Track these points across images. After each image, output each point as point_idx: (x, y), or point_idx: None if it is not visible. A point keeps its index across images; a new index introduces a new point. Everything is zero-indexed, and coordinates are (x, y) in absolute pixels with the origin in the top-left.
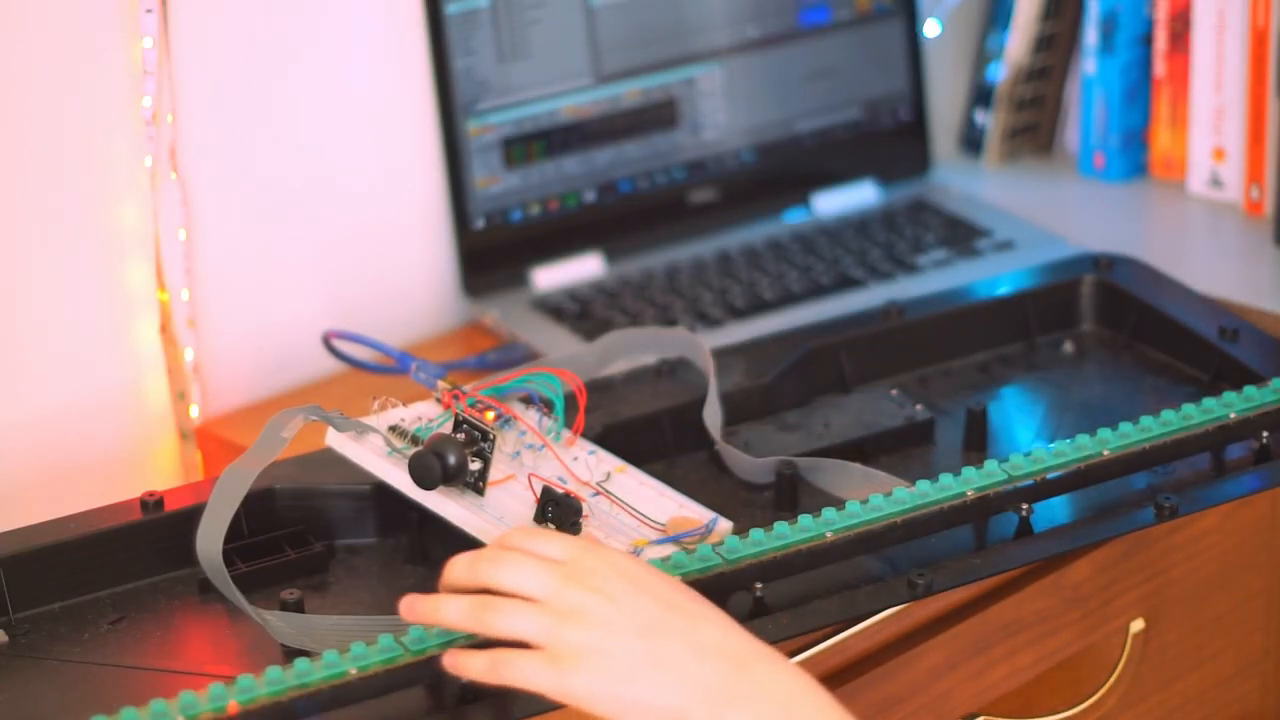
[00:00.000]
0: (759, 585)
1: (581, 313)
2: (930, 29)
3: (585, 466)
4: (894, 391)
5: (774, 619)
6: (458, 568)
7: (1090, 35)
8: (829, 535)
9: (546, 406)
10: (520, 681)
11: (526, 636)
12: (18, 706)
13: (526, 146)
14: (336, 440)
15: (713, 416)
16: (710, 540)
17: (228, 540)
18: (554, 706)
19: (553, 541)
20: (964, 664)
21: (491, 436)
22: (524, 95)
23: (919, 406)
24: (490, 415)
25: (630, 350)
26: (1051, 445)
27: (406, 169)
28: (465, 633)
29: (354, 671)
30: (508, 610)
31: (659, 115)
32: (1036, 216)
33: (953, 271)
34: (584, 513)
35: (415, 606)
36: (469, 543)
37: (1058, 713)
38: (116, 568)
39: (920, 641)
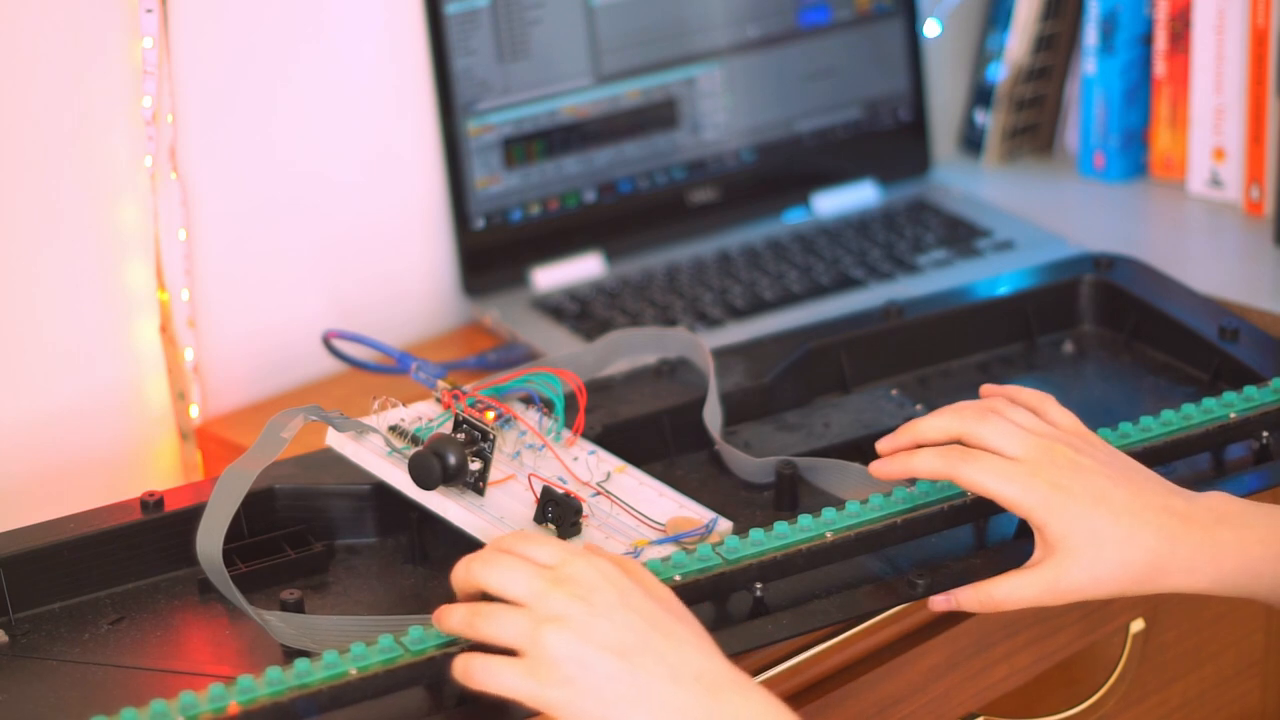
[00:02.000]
0: (759, 585)
1: (581, 313)
2: (930, 29)
3: (585, 466)
4: (894, 391)
5: (774, 619)
6: (457, 570)
7: (1090, 35)
8: (829, 535)
9: (546, 406)
10: (496, 688)
11: (508, 641)
12: (18, 707)
13: (526, 146)
14: (336, 440)
15: (713, 416)
16: (710, 540)
17: (227, 540)
18: None
19: (545, 546)
20: (964, 664)
21: (491, 437)
22: (524, 95)
23: (919, 406)
24: (490, 415)
25: (630, 350)
26: None
27: (406, 169)
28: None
29: (354, 672)
30: (493, 615)
31: (659, 115)
32: (1036, 216)
33: (953, 271)
34: (584, 513)
35: (439, 615)
36: (469, 543)
37: (1058, 713)
38: (116, 568)
39: (920, 641)
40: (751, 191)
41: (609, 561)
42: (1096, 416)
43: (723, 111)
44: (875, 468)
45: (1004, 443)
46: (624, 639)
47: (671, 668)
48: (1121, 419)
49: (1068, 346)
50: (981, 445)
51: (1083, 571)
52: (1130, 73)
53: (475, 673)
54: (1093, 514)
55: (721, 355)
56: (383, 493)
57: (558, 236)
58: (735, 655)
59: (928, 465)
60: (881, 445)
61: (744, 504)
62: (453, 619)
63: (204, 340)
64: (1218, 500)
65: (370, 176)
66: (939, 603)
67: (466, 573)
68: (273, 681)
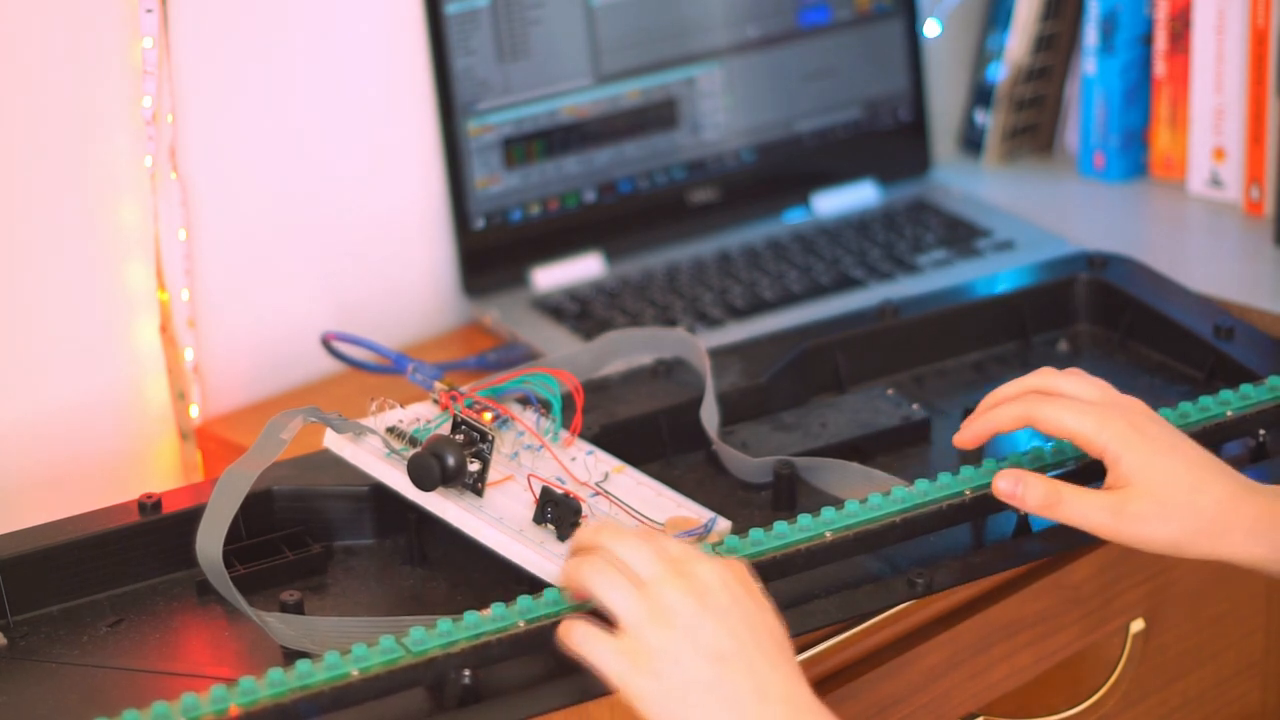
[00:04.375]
0: (759, 585)
1: (581, 313)
2: (930, 29)
3: (583, 467)
4: (890, 391)
5: None
6: (586, 530)
7: (1090, 35)
8: (828, 535)
9: (543, 407)
10: (588, 656)
11: (614, 612)
12: (17, 710)
13: (526, 146)
14: (334, 442)
15: (710, 416)
16: (709, 540)
17: (225, 542)
18: (552, 709)
19: (675, 543)
20: (964, 664)
21: (490, 437)
22: (524, 95)
23: (915, 406)
24: (488, 416)
25: (627, 350)
26: (1049, 444)
27: (406, 169)
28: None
29: (355, 673)
30: (607, 576)
31: (659, 115)
32: (1036, 216)
33: (953, 271)
34: (583, 513)
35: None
36: (468, 544)
37: (1058, 713)
38: (114, 570)
39: (920, 641)
40: (751, 191)
41: (729, 566)
42: None
43: (723, 111)
44: (959, 438)
45: (1082, 391)
46: (724, 645)
47: (760, 684)
48: None
49: (1062, 345)
50: (1059, 394)
51: (1152, 503)
52: (1130, 73)
53: (575, 636)
54: (1169, 456)
55: (718, 355)
56: (381, 494)
57: (558, 236)
58: None
59: (1007, 414)
60: (968, 421)
61: (742, 504)
62: (569, 562)
63: (204, 340)
64: (1277, 486)
65: (370, 176)
66: (1005, 485)
67: (594, 536)
68: (274, 683)
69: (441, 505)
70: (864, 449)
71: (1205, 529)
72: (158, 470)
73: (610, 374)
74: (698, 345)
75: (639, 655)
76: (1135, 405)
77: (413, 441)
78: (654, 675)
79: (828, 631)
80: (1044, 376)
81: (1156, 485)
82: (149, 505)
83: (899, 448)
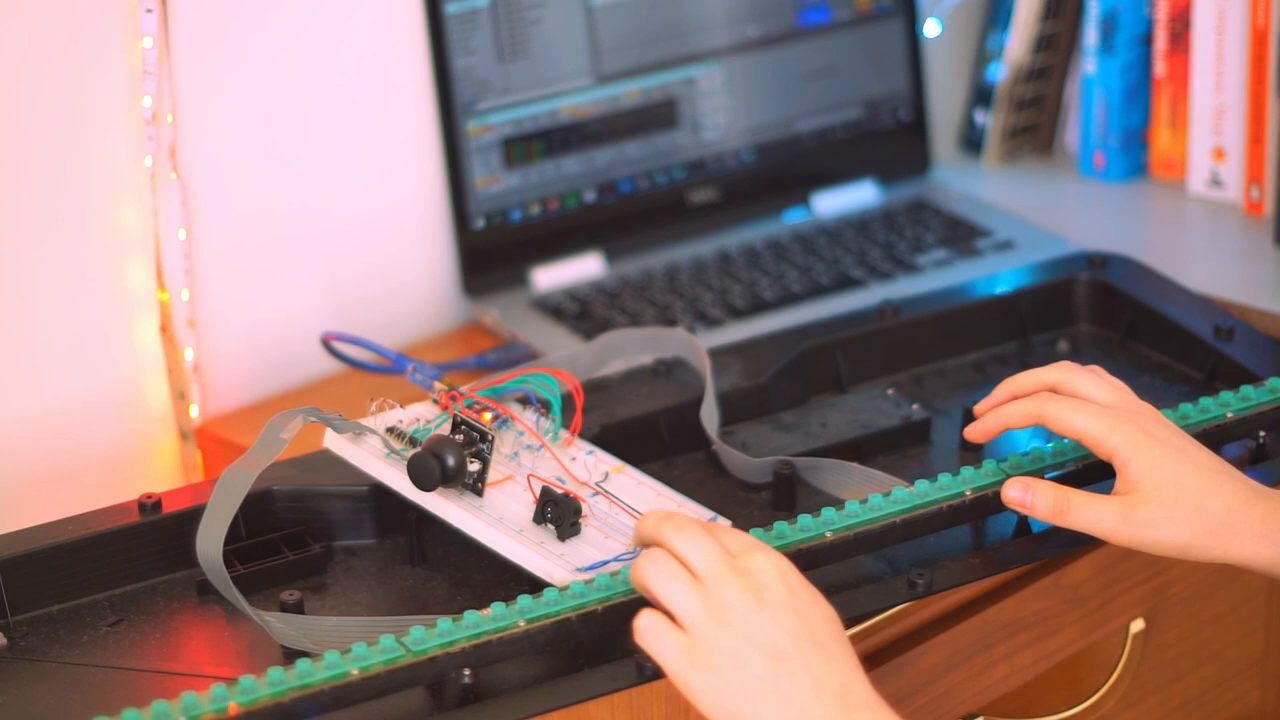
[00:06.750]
0: None
1: (581, 313)
2: (930, 29)
3: (583, 467)
4: (890, 391)
5: None
6: (649, 520)
7: (1090, 35)
8: (828, 535)
9: (544, 407)
10: (651, 651)
11: (671, 608)
12: (17, 709)
13: (526, 146)
14: (334, 442)
15: (710, 416)
16: None
17: (225, 542)
18: (552, 709)
19: (734, 535)
20: (964, 664)
21: (490, 437)
22: (524, 95)
23: (915, 406)
24: (488, 416)
25: (627, 350)
26: (1049, 444)
27: (406, 169)
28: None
29: (355, 672)
30: (668, 573)
31: (659, 115)
32: (1036, 216)
33: (953, 271)
34: (583, 513)
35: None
36: (468, 544)
37: (1058, 713)
38: (114, 570)
39: (920, 641)
40: (751, 191)
41: (785, 560)
42: None
43: (723, 111)
44: (970, 432)
45: (1096, 393)
46: (780, 641)
47: (815, 679)
48: None
49: (1062, 345)
50: (1073, 393)
51: (1160, 507)
52: (1130, 73)
53: (642, 630)
54: (1176, 460)
55: (718, 355)
56: (381, 494)
57: (558, 236)
58: None
59: (1020, 411)
60: (979, 407)
61: (742, 504)
62: (635, 561)
63: (204, 340)
64: None
65: (370, 176)
66: (1014, 493)
67: (657, 528)
68: (274, 682)
69: (441, 505)
70: (864, 449)
71: (1213, 532)
72: (158, 470)
73: (610, 374)
74: (698, 345)
75: (697, 651)
76: (1147, 410)
77: (413, 441)
78: (712, 671)
79: None
80: (1063, 371)
81: (1165, 489)
82: (149, 505)
83: (899, 448)
